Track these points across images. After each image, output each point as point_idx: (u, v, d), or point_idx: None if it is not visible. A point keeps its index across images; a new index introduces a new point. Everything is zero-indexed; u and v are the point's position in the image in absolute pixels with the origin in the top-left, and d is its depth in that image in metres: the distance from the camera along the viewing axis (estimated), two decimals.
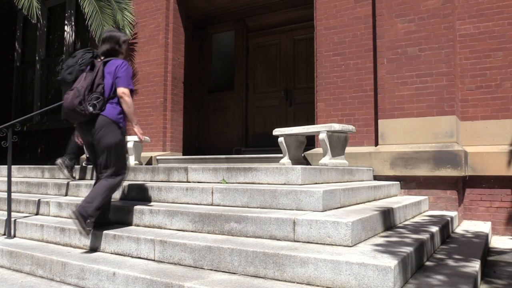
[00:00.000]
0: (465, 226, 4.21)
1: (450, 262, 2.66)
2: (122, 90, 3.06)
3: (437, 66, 4.49)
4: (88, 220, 2.91)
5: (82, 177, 4.78)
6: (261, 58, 8.58)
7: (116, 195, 3.90)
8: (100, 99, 3.00)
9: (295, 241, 2.56)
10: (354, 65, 5.05)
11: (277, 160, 5.14)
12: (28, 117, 4.33)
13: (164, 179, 4.13)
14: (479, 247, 3.18)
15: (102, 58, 3.24)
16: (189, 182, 3.95)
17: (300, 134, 4.85)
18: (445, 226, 3.53)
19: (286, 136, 4.77)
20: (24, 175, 5.80)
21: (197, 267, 2.54)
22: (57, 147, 9.13)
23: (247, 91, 8.64)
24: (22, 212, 4.14)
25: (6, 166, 4.00)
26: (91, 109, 2.95)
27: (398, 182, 4.54)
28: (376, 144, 4.83)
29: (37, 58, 10.02)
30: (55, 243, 3.33)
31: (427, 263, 2.65)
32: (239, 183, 3.67)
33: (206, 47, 9.36)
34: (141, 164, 6.15)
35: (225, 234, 2.82)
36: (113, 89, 3.09)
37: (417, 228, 3.15)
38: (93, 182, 3.92)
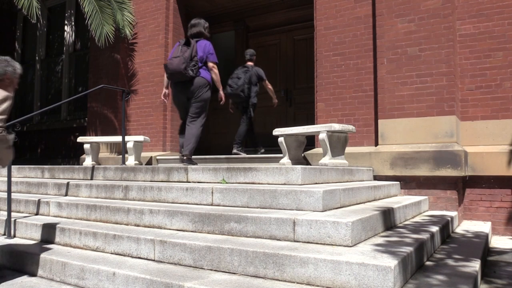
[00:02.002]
0: (465, 226, 4.21)
1: (450, 262, 2.66)
2: (213, 64, 4.41)
3: (437, 66, 4.49)
4: (189, 157, 4.27)
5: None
6: (261, 58, 8.57)
7: (117, 195, 3.91)
8: (196, 66, 4.28)
9: (295, 241, 2.56)
10: (354, 65, 5.05)
11: (277, 160, 5.14)
12: (28, 117, 4.33)
13: (164, 179, 4.13)
14: (479, 247, 3.18)
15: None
16: (189, 182, 3.95)
17: (300, 134, 4.85)
18: (445, 226, 3.53)
19: (286, 136, 4.77)
20: (24, 175, 5.80)
21: (197, 267, 2.54)
22: (57, 147, 9.15)
23: None
24: (22, 212, 4.14)
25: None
26: (191, 73, 4.23)
27: (398, 182, 4.55)
28: (376, 144, 4.83)
29: (37, 58, 10.02)
30: (55, 243, 3.33)
31: (427, 263, 2.65)
32: (239, 183, 3.67)
33: None
34: (141, 164, 6.15)
35: (225, 234, 2.82)
36: (203, 61, 4.36)
37: (417, 228, 3.15)
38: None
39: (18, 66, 2.81)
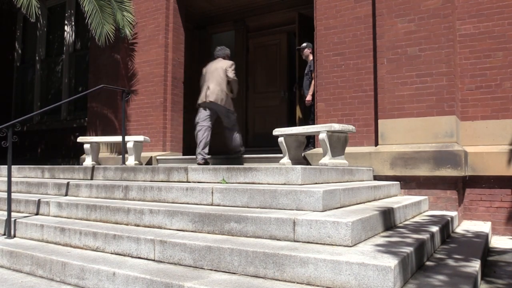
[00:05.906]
0: (465, 226, 4.21)
1: (450, 262, 2.66)
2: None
3: (437, 66, 4.49)
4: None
5: None
6: (261, 58, 8.57)
7: (117, 195, 3.91)
8: None
9: (295, 241, 2.56)
10: (354, 65, 5.05)
11: (277, 160, 5.14)
12: (28, 117, 4.32)
13: (164, 179, 4.13)
14: (479, 247, 3.18)
15: None
16: (189, 182, 3.95)
17: (300, 134, 4.85)
18: (445, 226, 3.53)
19: (286, 136, 4.77)
20: (24, 175, 5.80)
21: (197, 267, 2.54)
22: (57, 147, 9.15)
23: (247, 91, 8.63)
24: (22, 212, 4.14)
25: (6, 166, 4.00)
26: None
27: (398, 182, 4.54)
28: (376, 144, 4.83)
29: (37, 58, 10.02)
30: (55, 243, 3.33)
31: (427, 263, 2.65)
32: (239, 183, 3.67)
33: (206, 47, 9.35)
34: (141, 164, 6.15)
35: (225, 234, 2.82)
36: None
37: (417, 228, 3.15)
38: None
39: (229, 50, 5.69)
